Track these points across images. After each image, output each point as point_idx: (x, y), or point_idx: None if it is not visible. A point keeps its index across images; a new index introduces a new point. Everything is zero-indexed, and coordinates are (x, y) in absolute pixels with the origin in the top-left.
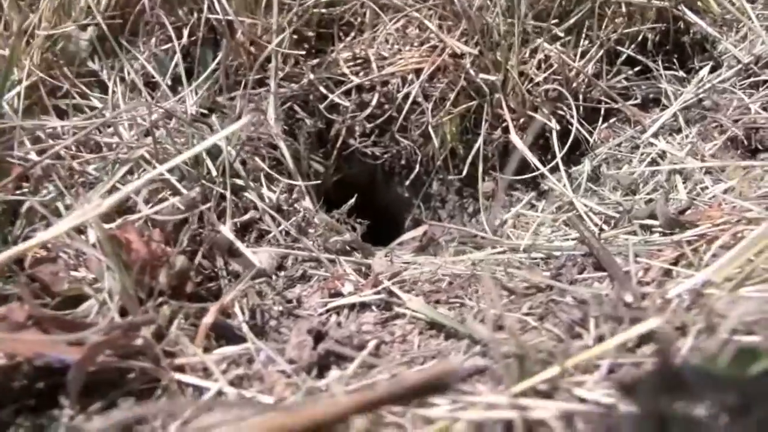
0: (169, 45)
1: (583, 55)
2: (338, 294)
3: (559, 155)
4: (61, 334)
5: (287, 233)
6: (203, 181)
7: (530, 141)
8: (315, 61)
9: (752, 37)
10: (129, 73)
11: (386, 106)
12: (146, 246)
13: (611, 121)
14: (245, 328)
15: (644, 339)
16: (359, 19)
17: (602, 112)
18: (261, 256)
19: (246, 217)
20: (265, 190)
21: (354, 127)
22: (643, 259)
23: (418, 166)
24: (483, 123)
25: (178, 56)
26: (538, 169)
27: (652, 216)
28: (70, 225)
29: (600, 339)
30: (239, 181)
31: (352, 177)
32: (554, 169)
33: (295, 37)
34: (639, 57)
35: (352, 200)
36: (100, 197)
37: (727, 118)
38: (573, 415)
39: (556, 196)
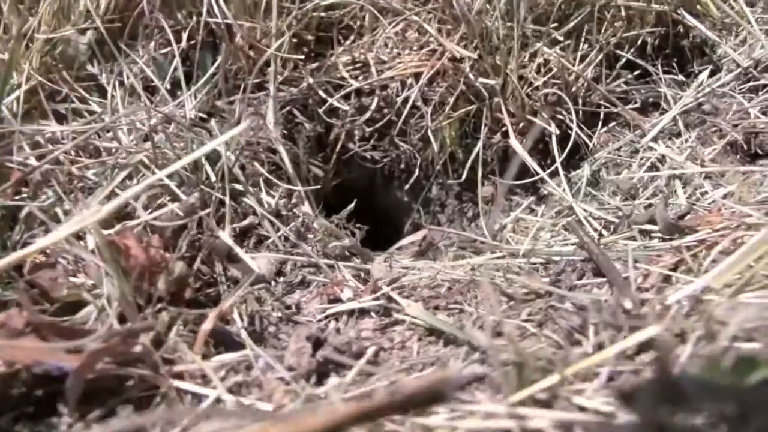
0: (169, 49)
1: (582, 59)
2: (337, 300)
3: (558, 160)
4: (59, 342)
5: (286, 238)
6: (202, 187)
7: (530, 145)
8: (314, 65)
9: (752, 41)
10: (128, 77)
11: (386, 110)
12: (145, 252)
13: (611, 125)
14: (244, 334)
15: (644, 346)
16: (358, 23)
17: (602, 116)
18: (260, 262)
19: (245, 222)
20: (264, 195)
21: (353, 131)
22: (643, 264)
23: (417, 171)
24: (482, 127)
25: (177, 60)
26: (537, 174)
27: (652, 221)
28: (69, 231)
29: (599, 346)
30: (238, 186)
31: (351, 181)
32: (554, 174)
33: (294, 40)
34: (638, 61)
35: (351, 205)
36: (99, 203)
37: (726, 123)
38: (571, 425)
39: (555, 201)
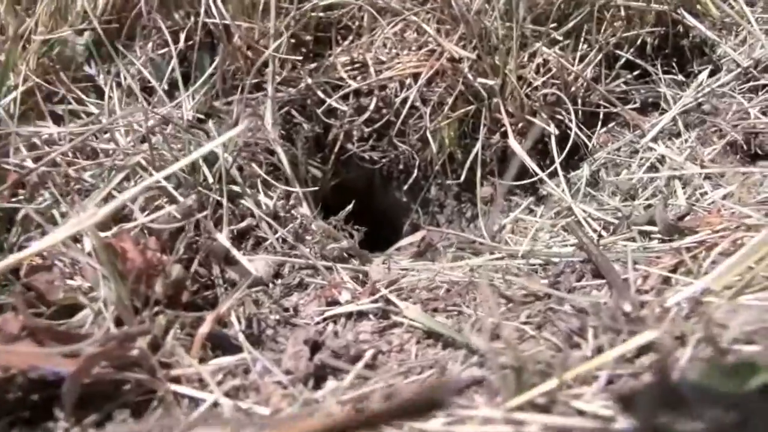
0: (166, 49)
1: (581, 59)
2: (335, 302)
3: (557, 160)
4: (55, 346)
5: (284, 240)
6: (200, 188)
7: (529, 146)
8: (312, 65)
9: (752, 40)
10: (125, 79)
11: (384, 111)
12: (142, 255)
13: (610, 125)
14: (241, 337)
15: (643, 349)
16: (357, 23)
17: (601, 116)
18: (257, 264)
19: (243, 224)
20: (262, 197)
21: (352, 131)
22: (642, 266)
23: (416, 171)
24: (481, 128)
25: (174, 61)
26: (536, 175)
27: (651, 222)
28: (66, 234)
29: (598, 350)
30: (236, 188)
31: (350, 182)
32: (553, 174)
33: (292, 41)
34: (638, 61)
35: (350, 207)
36: (96, 205)
37: (726, 123)
38: (570, 431)
39: (554, 201)
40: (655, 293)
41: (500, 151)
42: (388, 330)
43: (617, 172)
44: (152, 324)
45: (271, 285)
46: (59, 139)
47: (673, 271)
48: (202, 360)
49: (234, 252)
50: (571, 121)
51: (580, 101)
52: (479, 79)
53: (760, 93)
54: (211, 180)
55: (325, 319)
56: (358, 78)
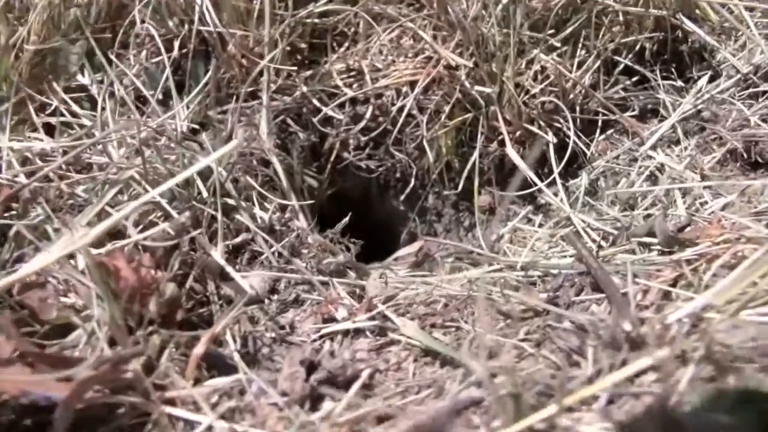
0: (160, 58)
1: (579, 66)
2: (332, 319)
3: (556, 170)
4: (47, 371)
5: (280, 254)
6: (194, 203)
7: (532, 162)
8: (308, 73)
9: (751, 45)
10: (119, 90)
11: (380, 119)
12: (135, 273)
13: (609, 132)
14: (237, 357)
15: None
16: (353, 29)
17: (599, 123)
18: (253, 280)
19: (238, 239)
20: (257, 210)
21: (348, 140)
22: (642, 280)
23: (413, 180)
24: (479, 136)
25: (168, 70)
26: (535, 185)
27: (651, 233)
28: (58, 255)
29: (598, 372)
30: (231, 201)
31: (346, 191)
32: (551, 183)
33: (287, 48)
34: (637, 67)
35: (346, 219)
36: (89, 221)
37: (726, 130)
38: None
39: (553, 211)
40: (655, 309)
41: (498, 159)
42: (386, 348)
43: (616, 180)
44: (146, 344)
45: (266, 301)
46: (51, 152)
47: (674, 284)
48: (198, 381)
49: (229, 269)
50: (569, 128)
51: (578, 108)
52: (476, 87)
53: (760, 99)
54: (205, 194)
55: (321, 337)
56: (354, 86)
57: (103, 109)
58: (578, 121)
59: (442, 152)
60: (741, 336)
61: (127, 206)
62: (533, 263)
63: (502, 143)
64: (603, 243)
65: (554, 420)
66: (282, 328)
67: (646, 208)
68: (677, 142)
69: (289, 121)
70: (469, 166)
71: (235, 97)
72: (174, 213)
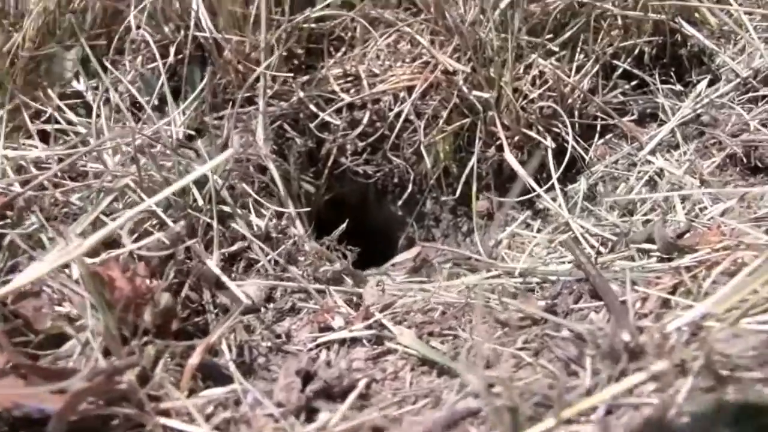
0: (156, 64)
1: (578, 70)
2: (328, 328)
3: (555, 175)
4: (41, 383)
5: (277, 262)
6: (190, 211)
7: (531, 171)
8: (305, 78)
9: (750, 49)
10: (110, 99)
11: (378, 124)
12: (130, 283)
13: (607, 137)
14: (232, 367)
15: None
16: (350, 34)
17: (598, 128)
18: (249, 289)
19: (234, 247)
20: (253, 217)
21: (345, 145)
22: (641, 287)
23: (411, 185)
24: (477, 141)
25: (163, 76)
26: (534, 190)
27: (650, 240)
28: (52, 266)
29: (597, 383)
30: (227, 209)
31: (344, 196)
32: (550, 188)
33: (284, 53)
34: (635, 71)
35: (343, 226)
36: (84, 230)
37: (725, 135)
38: None
39: (551, 216)
40: (655, 317)
41: (496, 164)
42: (383, 357)
43: (615, 185)
44: (141, 355)
45: (263, 309)
46: (46, 159)
47: (673, 292)
48: (193, 391)
49: (224, 279)
50: (567, 133)
51: (576, 113)
52: (474, 92)
53: (759, 104)
54: (201, 202)
55: (318, 346)
56: (351, 91)
57: (98, 116)
58: (577, 125)
59: (440, 157)
60: (741, 345)
61: (122, 215)
62: (531, 270)
63: (500, 148)
64: (602, 249)
65: None
66: (278, 337)
67: (645, 214)
68: (676, 147)
69: (285, 126)
70: (467, 171)
71: (231, 103)
72: (169, 221)
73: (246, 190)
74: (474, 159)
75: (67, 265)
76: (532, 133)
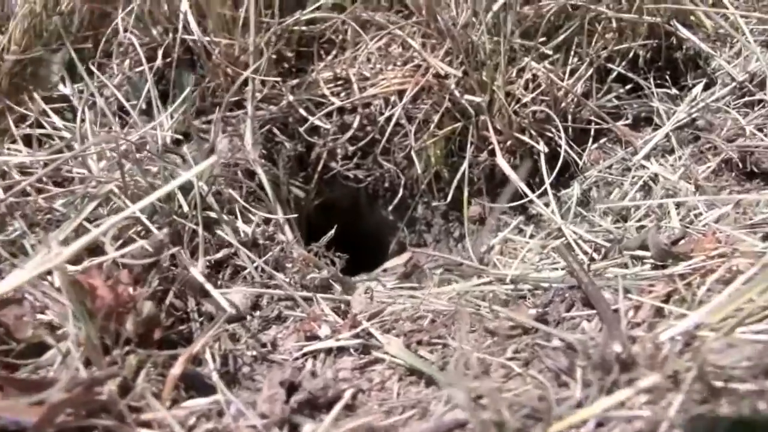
0: (144, 67)
1: (572, 74)
2: (315, 337)
3: (547, 180)
4: (17, 395)
5: (263, 269)
6: (175, 217)
7: (523, 176)
8: (294, 82)
9: (746, 53)
10: (96, 103)
11: (368, 128)
12: (112, 291)
13: (601, 141)
14: (216, 377)
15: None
16: (340, 37)
17: (592, 132)
18: (234, 297)
19: (219, 254)
20: (240, 224)
21: (336, 150)
22: (634, 295)
23: (402, 190)
24: (468, 146)
25: (150, 80)
26: (526, 196)
27: (644, 246)
28: (31, 275)
29: (587, 394)
30: (214, 215)
31: (334, 201)
32: (543, 193)
33: (273, 56)
34: (630, 74)
35: (332, 232)
36: (67, 237)
37: (721, 140)
38: None
39: (544, 221)
40: (647, 326)
41: (488, 169)
42: (370, 366)
43: (609, 191)
44: (122, 365)
45: (248, 318)
46: (30, 164)
47: (666, 300)
48: (175, 402)
49: (208, 287)
50: (560, 138)
51: (570, 117)
52: (466, 96)
53: (755, 108)
54: (186, 209)
55: (304, 355)
56: (342, 95)
57: (83, 120)
58: (570, 130)
59: (431, 162)
60: (736, 356)
61: (105, 221)
62: (523, 276)
63: (492, 153)
64: (595, 255)
65: None
66: (264, 345)
67: (639, 220)
68: (671, 152)
69: (275, 130)
70: (458, 176)
71: (219, 107)
72: (154, 228)
73: (233, 195)
74: (466, 164)
75: (49, 273)
76: (525, 138)
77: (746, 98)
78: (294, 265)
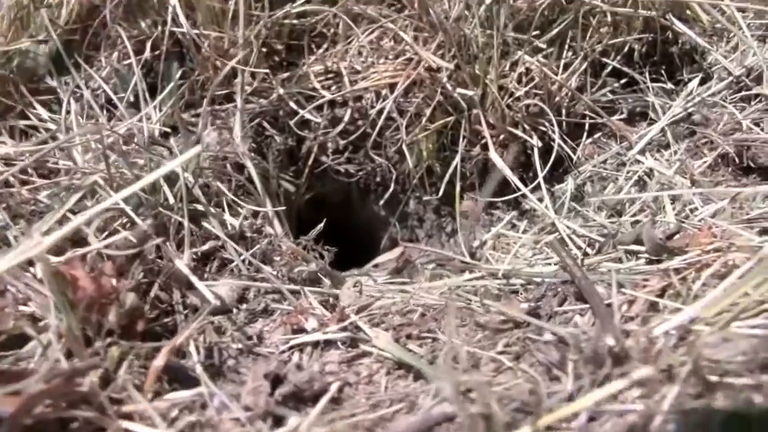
0: (132, 59)
1: (566, 68)
2: (301, 330)
3: (541, 175)
4: None
5: (251, 262)
6: (161, 209)
7: (510, 161)
8: (285, 75)
9: (743, 47)
10: (82, 96)
11: (360, 122)
12: (94, 282)
13: (596, 136)
14: (199, 369)
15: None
16: (332, 30)
17: (586, 127)
18: (220, 289)
19: (206, 246)
20: (227, 217)
21: (326, 143)
22: (628, 290)
23: (393, 185)
24: (461, 140)
25: (138, 72)
26: (519, 190)
27: (638, 241)
28: (10, 264)
29: (579, 388)
30: (201, 207)
31: (325, 195)
32: (536, 188)
33: (264, 50)
34: (625, 69)
35: (320, 226)
36: (50, 228)
37: (717, 134)
38: None
39: (538, 217)
40: (641, 321)
41: (481, 163)
42: (357, 360)
43: (603, 185)
44: (102, 358)
45: (235, 310)
46: (15, 156)
47: (661, 295)
48: (158, 394)
49: (193, 279)
50: (554, 132)
51: (564, 112)
52: (458, 90)
53: (752, 102)
54: (172, 200)
55: (290, 348)
56: (333, 88)
57: (68, 112)
58: (564, 124)
59: (423, 156)
60: (731, 350)
61: (87, 212)
62: (516, 271)
63: (485, 147)
64: (589, 250)
65: None
66: (249, 338)
67: (633, 215)
68: (667, 147)
69: (265, 124)
70: (450, 170)
71: (206, 100)
72: (138, 220)
73: (221, 189)
74: (458, 158)
75: (32, 264)
76: (518, 132)
77: (743, 92)
78: (282, 258)
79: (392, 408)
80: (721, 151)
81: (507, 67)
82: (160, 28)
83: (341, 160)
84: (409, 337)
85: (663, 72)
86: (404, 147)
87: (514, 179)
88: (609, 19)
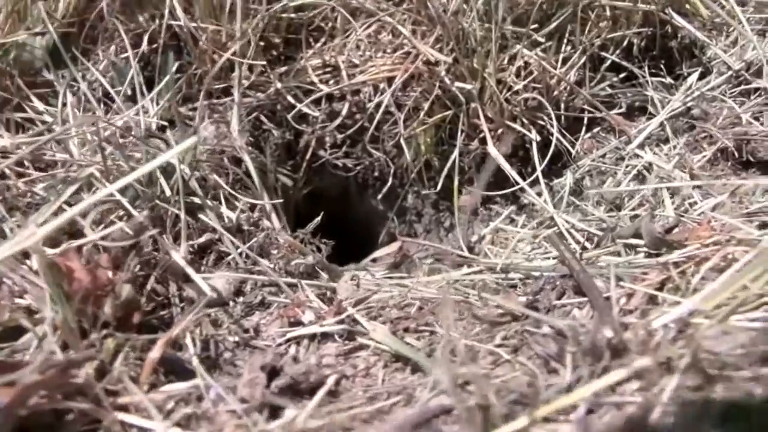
0: (129, 53)
1: (564, 62)
2: (298, 323)
3: (539, 168)
4: None
5: (248, 255)
6: (157, 201)
7: (504, 151)
8: (283, 69)
9: (743, 42)
10: (79, 89)
11: (358, 116)
12: (90, 274)
13: (595, 130)
14: (196, 361)
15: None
16: (330, 24)
17: (585, 121)
18: (217, 282)
19: (202, 239)
20: (224, 210)
21: (324, 137)
22: (627, 283)
23: (391, 179)
24: (459, 134)
25: (135, 65)
26: (517, 184)
27: (637, 235)
28: (6, 254)
29: (577, 380)
30: (198, 200)
31: (323, 190)
32: (535, 182)
33: (261, 43)
34: (624, 63)
35: (318, 219)
36: (46, 220)
37: (716, 128)
38: None
39: (537, 211)
40: (640, 314)
41: (479, 158)
42: (354, 352)
43: (602, 180)
44: (98, 350)
45: (231, 303)
46: (12, 148)
47: (660, 288)
48: (154, 386)
49: (189, 271)
50: (553, 126)
51: (562, 106)
52: (457, 83)
53: (752, 97)
54: (168, 192)
55: (287, 341)
56: (330, 82)
57: (65, 105)
58: (563, 118)
59: (421, 150)
60: (730, 343)
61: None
62: (514, 265)
63: (483, 141)
64: (587, 244)
65: (528, 431)
66: (246, 331)
67: (632, 209)
68: (666, 141)
69: (262, 118)
70: (449, 164)
71: (203, 94)
72: (134, 212)
73: (219, 182)
74: (456, 152)
75: (28, 257)
76: (517, 126)
77: (742, 87)
78: (279, 251)
79: (390, 400)
80: (721, 145)
81: (505, 61)
82: (157, 21)
83: (339, 154)
84: (406, 330)
85: (662, 66)
86: (402, 141)
87: (512, 173)
88: (608, 13)
